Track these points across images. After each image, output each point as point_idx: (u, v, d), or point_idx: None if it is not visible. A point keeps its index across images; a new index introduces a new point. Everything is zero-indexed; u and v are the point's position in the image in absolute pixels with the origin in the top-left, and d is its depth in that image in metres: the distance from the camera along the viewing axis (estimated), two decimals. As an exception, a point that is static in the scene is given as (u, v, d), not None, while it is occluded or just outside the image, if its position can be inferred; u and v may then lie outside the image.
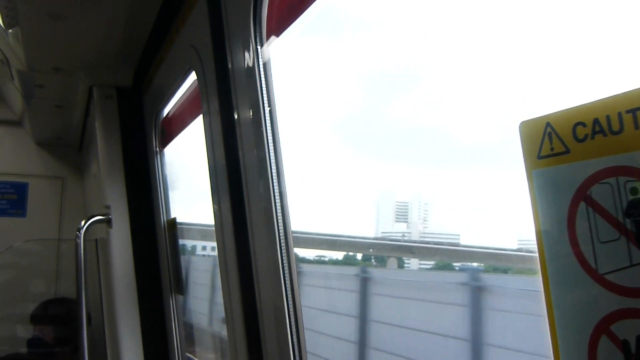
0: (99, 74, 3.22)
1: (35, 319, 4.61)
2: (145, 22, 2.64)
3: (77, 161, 5.36)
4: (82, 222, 3.05)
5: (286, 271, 1.55)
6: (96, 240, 3.69)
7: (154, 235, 3.08)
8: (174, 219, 2.93)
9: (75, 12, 2.50)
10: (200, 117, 2.11)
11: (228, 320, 1.91)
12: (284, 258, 1.55)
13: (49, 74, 3.33)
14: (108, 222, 3.06)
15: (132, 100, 3.20)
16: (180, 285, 2.88)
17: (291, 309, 1.55)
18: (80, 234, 3.02)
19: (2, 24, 2.72)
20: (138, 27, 2.68)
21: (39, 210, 5.27)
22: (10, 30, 2.80)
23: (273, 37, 1.60)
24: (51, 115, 4.38)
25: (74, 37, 2.78)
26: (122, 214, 3.06)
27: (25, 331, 4.63)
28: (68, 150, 5.32)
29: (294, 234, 1.58)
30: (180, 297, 2.96)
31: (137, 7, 2.46)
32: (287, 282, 1.56)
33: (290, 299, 1.56)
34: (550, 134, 0.73)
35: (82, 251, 3.03)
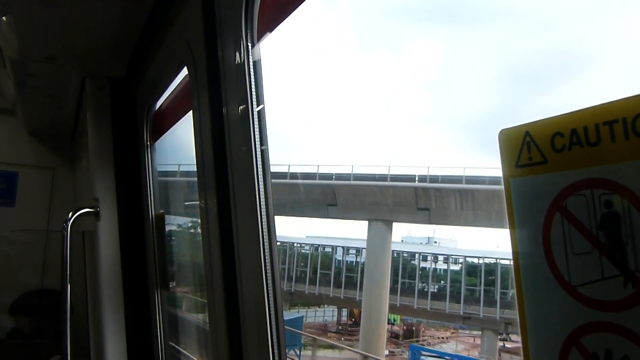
0: (92, 65, 3.19)
1: (14, 309, 4.57)
2: (139, 14, 2.62)
3: (68, 152, 5.32)
4: (70, 214, 3.03)
5: (268, 269, 1.54)
6: (83, 232, 3.67)
7: (142, 229, 3.06)
8: (162, 213, 2.91)
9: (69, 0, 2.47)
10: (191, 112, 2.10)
11: (211, 314, 1.91)
12: (266, 256, 1.54)
13: (42, 63, 3.30)
14: (96, 214, 3.04)
15: (125, 93, 3.18)
16: (166, 280, 2.86)
17: (272, 305, 1.55)
18: (67, 225, 3.00)
19: (-5, 11, 2.70)
20: (132, 18, 2.66)
21: (28, 201, 5.22)
22: (3, 18, 2.78)
23: (265, 35, 1.59)
24: (44, 104, 4.35)
25: (68, 26, 2.76)
26: (110, 207, 3.04)
27: (7, 321, 4.59)
28: (60, 140, 5.27)
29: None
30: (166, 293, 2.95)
31: (132, -2, 2.45)
32: (269, 279, 1.55)
33: (271, 296, 1.55)
34: (529, 143, 0.72)
35: (68, 243, 3.01)
